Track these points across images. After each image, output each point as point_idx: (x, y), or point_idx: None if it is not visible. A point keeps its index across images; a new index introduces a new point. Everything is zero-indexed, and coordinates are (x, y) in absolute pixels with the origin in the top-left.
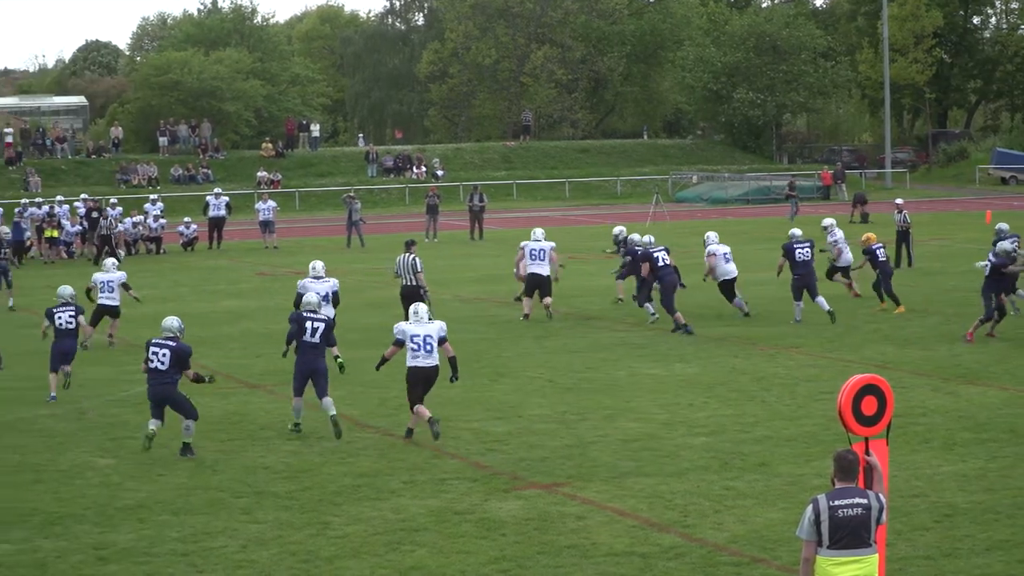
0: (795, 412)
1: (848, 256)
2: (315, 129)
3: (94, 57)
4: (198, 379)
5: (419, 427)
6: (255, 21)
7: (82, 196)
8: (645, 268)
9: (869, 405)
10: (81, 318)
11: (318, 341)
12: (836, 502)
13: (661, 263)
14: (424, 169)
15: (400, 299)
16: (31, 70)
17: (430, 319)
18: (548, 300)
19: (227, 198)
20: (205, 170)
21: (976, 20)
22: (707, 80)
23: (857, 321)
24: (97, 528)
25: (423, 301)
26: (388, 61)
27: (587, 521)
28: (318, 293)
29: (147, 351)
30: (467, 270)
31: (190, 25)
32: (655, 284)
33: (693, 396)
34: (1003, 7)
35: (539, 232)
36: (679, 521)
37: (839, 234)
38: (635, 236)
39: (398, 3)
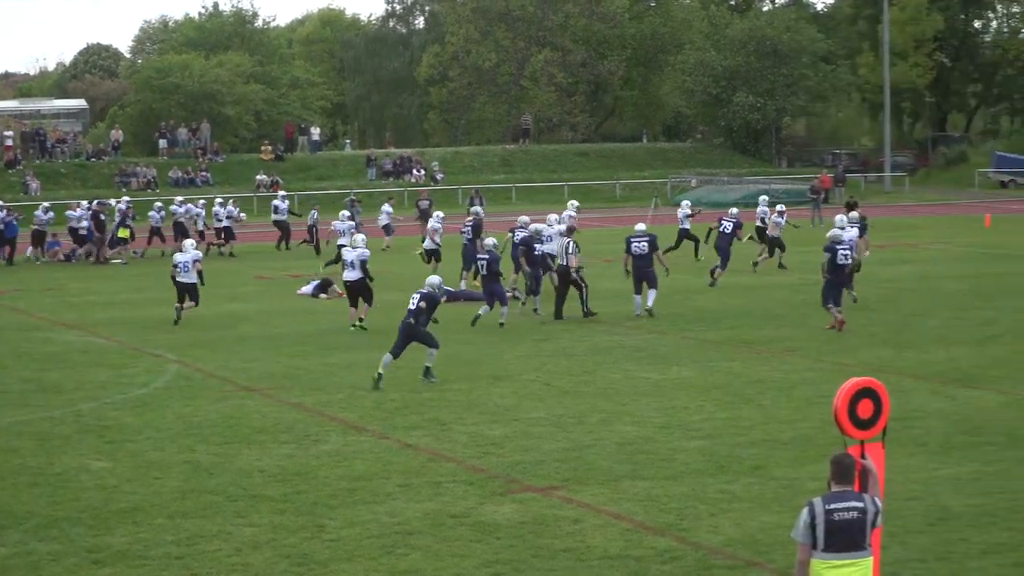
0: (791, 416)
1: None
2: (315, 132)
3: (95, 60)
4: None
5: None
6: (256, 24)
7: (181, 201)
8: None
9: (865, 408)
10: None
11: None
12: (832, 505)
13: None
14: (423, 172)
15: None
16: (31, 73)
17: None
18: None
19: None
20: (204, 173)
21: (977, 24)
22: (707, 84)
23: (854, 325)
24: (92, 531)
25: (577, 281)
26: (388, 65)
27: (582, 524)
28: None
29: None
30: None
31: (191, 28)
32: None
33: (689, 399)
34: (1004, 11)
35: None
36: (674, 524)
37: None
38: (535, 224)
39: (399, 7)
